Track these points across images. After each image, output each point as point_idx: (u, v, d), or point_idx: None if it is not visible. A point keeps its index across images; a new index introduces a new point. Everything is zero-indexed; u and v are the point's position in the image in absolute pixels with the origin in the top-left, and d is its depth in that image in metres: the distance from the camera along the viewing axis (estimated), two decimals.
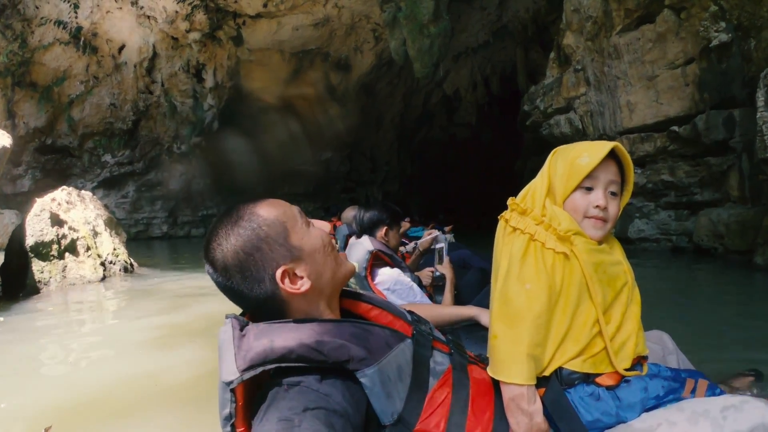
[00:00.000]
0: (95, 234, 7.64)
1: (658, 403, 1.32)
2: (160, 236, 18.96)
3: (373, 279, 2.81)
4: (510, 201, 1.50)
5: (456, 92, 22.82)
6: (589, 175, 1.39)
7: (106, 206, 9.20)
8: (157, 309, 5.21)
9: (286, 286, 1.13)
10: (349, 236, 4.35)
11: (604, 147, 1.38)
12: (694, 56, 7.78)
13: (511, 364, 1.29)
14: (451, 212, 21.44)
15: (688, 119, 7.93)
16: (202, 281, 6.99)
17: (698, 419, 1.20)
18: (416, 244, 3.79)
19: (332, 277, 1.21)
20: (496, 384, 1.33)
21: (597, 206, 1.40)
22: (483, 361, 1.42)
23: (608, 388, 1.34)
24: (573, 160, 1.41)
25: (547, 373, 1.34)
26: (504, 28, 18.38)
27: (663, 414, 1.27)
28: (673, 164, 8.42)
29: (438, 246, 3.22)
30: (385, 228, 3.12)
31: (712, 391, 1.37)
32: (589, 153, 1.39)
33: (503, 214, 1.47)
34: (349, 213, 4.75)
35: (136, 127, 17.62)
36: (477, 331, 2.03)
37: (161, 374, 3.09)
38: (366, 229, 3.10)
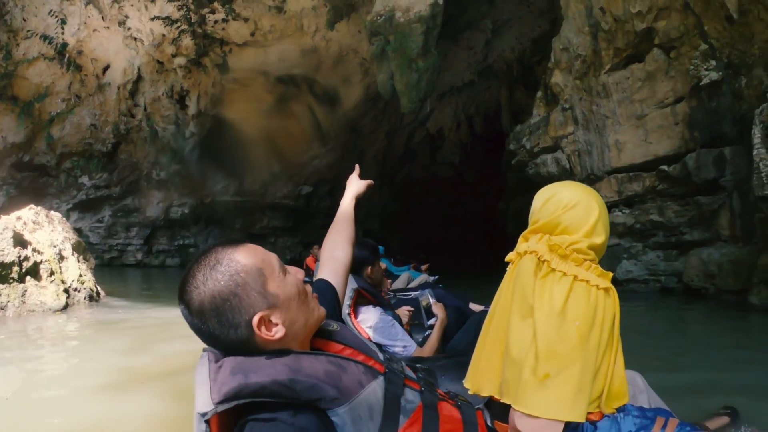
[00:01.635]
0: (61, 258, 7.16)
1: None
2: (135, 264, 18.43)
3: (356, 316, 2.86)
4: (546, 240, 1.52)
5: (440, 131, 22.97)
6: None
7: (76, 230, 8.77)
8: (118, 346, 4.75)
9: (262, 332, 1.13)
10: None
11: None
12: (684, 95, 7.81)
13: (565, 403, 1.31)
14: (432, 251, 21.26)
15: (677, 158, 7.90)
16: (169, 315, 6.66)
17: None
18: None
19: (305, 324, 1.22)
20: (467, 421, 1.34)
21: None
22: (452, 398, 1.43)
23: (590, 422, 1.38)
24: (605, 210, 1.55)
25: (584, 417, 1.35)
26: (489, 68, 18.60)
27: None
28: (662, 204, 8.34)
29: (424, 303, 3.39)
30: (369, 267, 3.20)
31: (682, 427, 1.38)
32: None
33: (535, 250, 1.50)
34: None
35: (115, 150, 17.25)
36: (452, 369, 2.08)
37: (110, 426, 2.71)
38: (354, 270, 2.97)
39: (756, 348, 4.55)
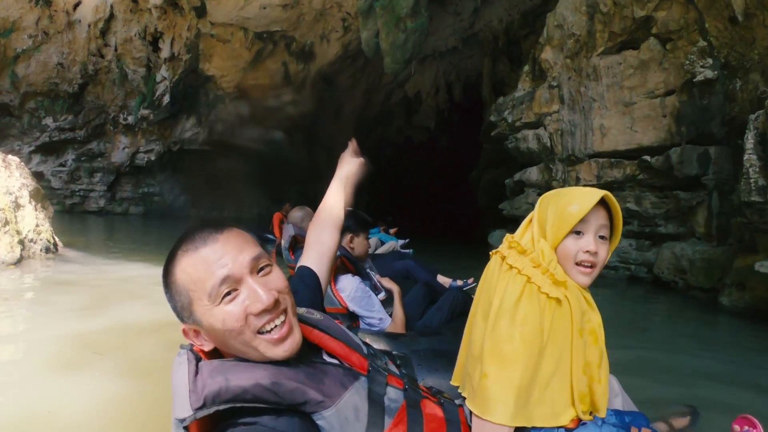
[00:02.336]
0: (17, 206, 6.74)
1: None
2: (97, 211, 17.91)
3: (335, 284, 2.84)
4: (508, 238, 1.52)
5: (417, 95, 22.71)
6: (580, 220, 1.42)
7: (37, 174, 8.30)
8: (73, 308, 4.43)
9: (192, 339, 1.14)
10: (295, 237, 4.22)
11: (593, 195, 1.41)
12: (675, 88, 7.73)
13: (500, 404, 1.30)
14: (401, 215, 21.21)
15: (660, 150, 7.87)
16: (128, 272, 6.41)
17: None
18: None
19: (245, 354, 1.11)
20: (449, 419, 1.35)
21: (587, 251, 1.42)
22: (435, 395, 1.43)
23: (567, 429, 1.37)
24: (564, 209, 1.43)
25: (536, 423, 1.34)
26: (474, 36, 18.28)
27: None
28: (640, 193, 8.35)
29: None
30: (351, 235, 3.14)
31: None
32: (579, 201, 1.42)
33: (499, 250, 1.50)
34: (296, 213, 4.56)
35: (82, 92, 16.57)
36: (430, 358, 2.07)
37: (56, 407, 2.47)
38: None
39: (720, 344, 4.70)
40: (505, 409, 1.30)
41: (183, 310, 1.11)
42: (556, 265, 1.42)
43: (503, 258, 1.46)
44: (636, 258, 8.61)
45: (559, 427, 1.36)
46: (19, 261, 6.25)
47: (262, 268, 1.14)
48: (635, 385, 1.97)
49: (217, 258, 1.09)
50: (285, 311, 1.13)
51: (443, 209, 28.06)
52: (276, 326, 1.10)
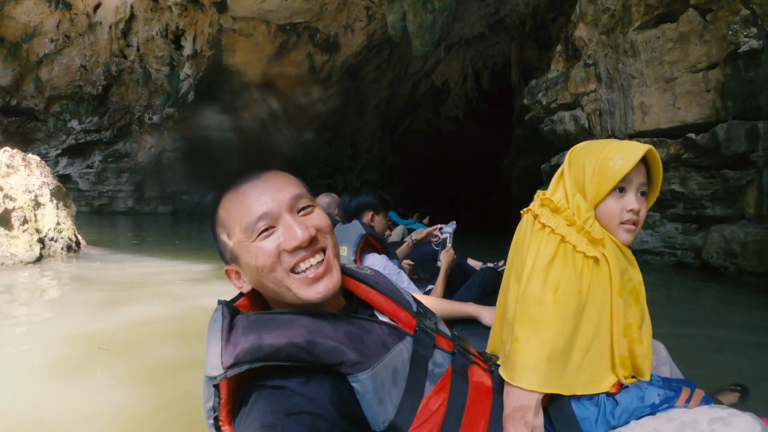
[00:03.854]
0: (37, 205, 6.66)
1: (653, 411, 1.29)
2: (125, 211, 17.96)
3: (362, 263, 2.71)
4: (539, 195, 1.43)
5: (445, 84, 22.38)
6: (622, 178, 1.34)
7: (65, 176, 8.28)
8: (86, 307, 4.26)
9: (233, 281, 1.13)
10: None
11: (637, 149, 1.34)
12: (719, 61, 7.24)
13: (530, 370, 1.25)
14: (430, 206, 21.02)
15: (706, 127, 7.41)
16: (149, 269, 6.25)
17: (685, 430, 1.18)
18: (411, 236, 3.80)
19: (279, 294, 1.08)
20: (496, 389, 1.29)
21: (630, 209, 1.36)
22: (486, 362, 1.37)
23: (608, 394, 1.31)
24: (605, 163, 1.35)
25: (575, 391, 1.28)
26: (500, 21, 17.84)
27: (652, 423, 1.25)
28: (685, 174, 7.89)
29: (444, 234, 3.30)
30: (372, 213, 3.09)
31: (707, 403, 1.32)
32: (622, 156, 1.34)
33: (531, 208, 1.43)
34: (323, 200, 4.52)
35: (106, 93, 16.64)
36: (474, 325, 2.02)
37: (52, 413, 2.27)
38: (352, 212, 3.06)
39: None
40: (535, 374, 1.24)
41: (225, 250, 1.12)
42: (593, 222, 1.35)
43: (535, 216, 1.39)
44: (682, 242, 8.16)
45: (600, 393, 1.31)
46: (38, 259, 6.16)
47: (303, 208, 1.10)
48: (681, 369, 1.80)
49: (257, 195, 1.07)
50: (323, 250, 1.09)
51: (472, 198, 27.65)
52: (311, 265, 1.06)
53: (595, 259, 1.31)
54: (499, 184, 19.99)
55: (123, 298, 4.68)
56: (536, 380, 1.24)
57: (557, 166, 10.74)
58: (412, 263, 3.59)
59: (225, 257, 1.12)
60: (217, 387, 0.95)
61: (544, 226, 1.35)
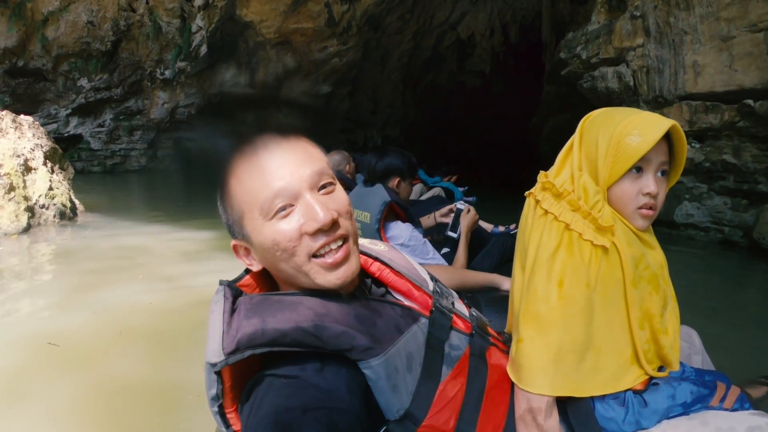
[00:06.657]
0: (26, 170, 6.15)
1: (685, 411, 1.22)
2: (138, 170, 17.78)
3: (385, 232, 2.63)
4: (541, 176, 1.32)
5: (471, 37, 21.52)
6: (640, 158, 1.19)
7: (76, 136, 7.78)
8: (60, 292, 3.67)
9: (242, 257, 1.07)
10: None
11: (658, 124, 1.17)
12: None
13: (537, 373, 1.16)
14: (453, 164, 20.44)
15: (766, 94, 6.62)
16: (149, 238, 5.76)
17: None
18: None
19: (294, 279, 1.00)
20: None
21: (647, 193, 1.23)
22: (505, 343, 1.32)
23: (635, 392, 1.23)
24: (620, 139, 1.20)
25: (591, 392, 1.18)
26: None
27: (685, 425, 1.19)
28: (739, 144, 7.14)
29: (458, 208, 3.18)
30: (398, 179, 2.94)
31: (741, 404, 1.25)
32: (642, 131, 1.17)
33: (532, 191, 1.32)
34: (335, 157, 4.35)
35: (115, 49, 16.15)
36: (498, 301, 1.97)
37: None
38: (378, 176, 2.89)
39: None
40: (542, 377, 1.15)
41: (234, 224, 1.04)
42: (602, 206, 1.23)
43: (537, 202, 1.30)
44: (731, 219, 7.46)
45: (625, 391, 1.21)
46: (26, 230, 5.68)
47: (324, 186, 1.01)
48: (714, 359, 1.67)
49: (275, 168, 0.97)
50: (344, 237, 1.00)
51: (497, 157, 26.95)
52: (331, 249, 0.98)
53: (604, 248, 1.20)
54: (525, 143, 19.30)
55: (114, 278, 4.06)
56: (544, 383, 1.16)
57: None
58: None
59: (233, 231, 1.05)
60: (219, 374, 0.91)
61: (546, 212, 1.26)
